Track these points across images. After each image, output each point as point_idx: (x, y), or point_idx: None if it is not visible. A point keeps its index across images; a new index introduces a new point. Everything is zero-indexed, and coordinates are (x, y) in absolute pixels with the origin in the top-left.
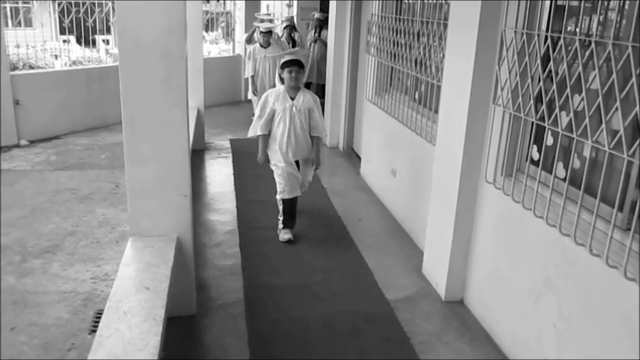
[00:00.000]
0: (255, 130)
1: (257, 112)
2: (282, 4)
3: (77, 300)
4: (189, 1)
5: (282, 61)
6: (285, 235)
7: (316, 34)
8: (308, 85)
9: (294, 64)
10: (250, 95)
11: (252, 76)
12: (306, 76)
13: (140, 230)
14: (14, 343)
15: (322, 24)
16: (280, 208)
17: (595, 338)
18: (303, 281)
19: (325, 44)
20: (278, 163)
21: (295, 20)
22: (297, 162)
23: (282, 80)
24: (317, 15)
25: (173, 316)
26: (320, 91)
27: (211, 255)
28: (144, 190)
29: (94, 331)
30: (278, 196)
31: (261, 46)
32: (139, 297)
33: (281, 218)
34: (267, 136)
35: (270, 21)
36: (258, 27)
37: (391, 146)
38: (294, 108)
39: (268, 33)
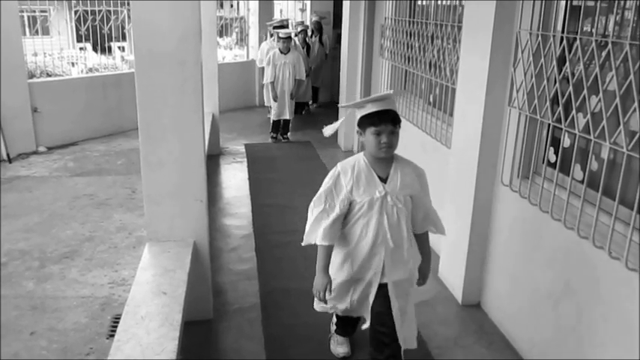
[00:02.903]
0: (313, 234)
1: (320, 199)
2: (295, 8)
3: (95, 305)
4: (204, 6)
5: (364, 113)
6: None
7: (316, 37)
8: (315, 91)
9: (386, 119)
10: (269, 102)
11: (272, 82)
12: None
13: (157, 235)
14: (34, 347)
15: (322, 27)
16: None
17: (615, 342)
18: None
19: (324, 47)
20: (340, 303)
21: (310, 24)
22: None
23: (362, 143)
24: (315, 18)
25: (190, 320)
26: (313, 95)
27: (227, 259)
28: (160, 195)
29: (112, 336)
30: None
31: (281, 52)
32: (157, 302)
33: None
34: (331, 248)
35: (286, 26)
36: (277, 33)
37: (406, 150)
38: (389, 198)
39: (288, 39)
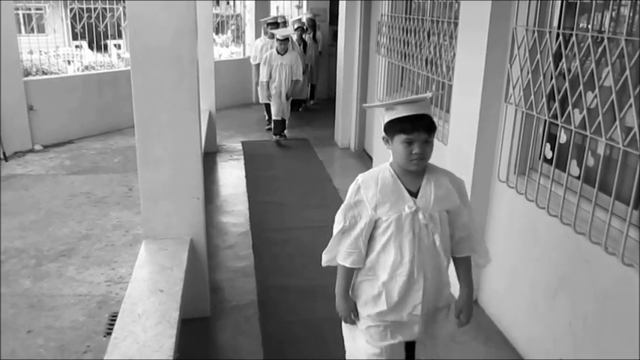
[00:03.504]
0: (332, 252)
1: (340, 216)
2: (291, 5)
3: (92, 303)
4: (200, 3)
5: (393, 117)
6: None
7: (310, 34)
8: (312, 88)
9: (420, 126)
10: (264, 100)
11: (267, 82)
12: (314, 77)
13: (154, 233)
14: (31, 346)
15: (315, 24)
16: None
17: (611, 337)
18: (317, 283)
19: (317, 44)
20: (374, 338)
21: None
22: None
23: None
24: (309, 15)
25: (187, 318)
26: (310, 92)
27: (224, 257)
28: (157, 193)
29: (109, 334)
30: None
31: (278, 52)
32: (153, 299)
33: None
34: (353, 271)
35: (284, 23)
36: (275, 34)
37: None
38: (420, 215)
39: (286, 40)
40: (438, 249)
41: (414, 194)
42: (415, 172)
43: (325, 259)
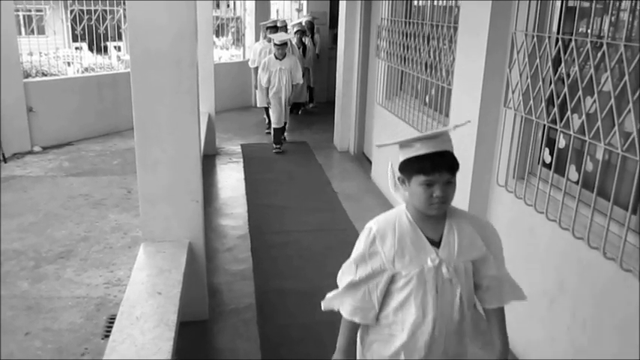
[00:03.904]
0: (337, 301)
1: (350, 267)
2: (291, 8)
3: (90, 305)
4: (200, 5)
5: (410, 155)
6: None
7: (309, 37)
8: (311, 91)
9: (442, 166)
10: (263, 104)
11: (267, 88)
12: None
13: (152, 235)
14: (28, 348)
15: (314, 27)
16: None
17: (610, 342)
18: (315, 286)
19: (315, 47)
20: None
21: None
22: None
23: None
24: (308, 18)
25: (185, 321)
26: (309, 95)
27: (223, 260)
28: (156, 195)
29: (107, 336)
30: None
31: (276, 57)
32: (152, 302)
33: None
34: (358, 326)
35: (284, 27)
36: (273, 39)
37: None
38: (444, 268)
39: (284, 45)
40: (461, 305)
41: (435, 243)
42: (436, 217)
43: (326, 305)
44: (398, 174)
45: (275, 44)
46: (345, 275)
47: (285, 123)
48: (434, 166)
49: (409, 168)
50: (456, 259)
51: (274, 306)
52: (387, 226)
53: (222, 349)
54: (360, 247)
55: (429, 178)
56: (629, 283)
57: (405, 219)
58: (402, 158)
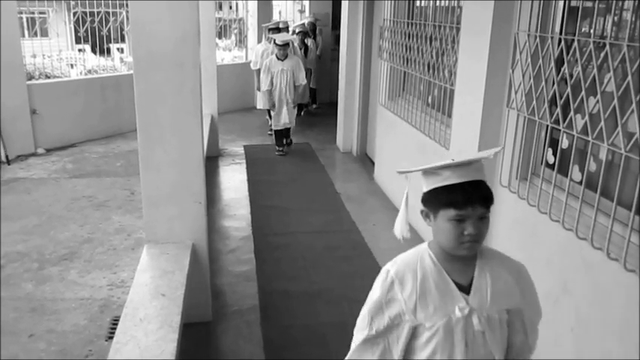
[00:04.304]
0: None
1: (364, 320)
2: (294, 9)
3: (94, 307)
4: (202, 7)
5: (436, 185)
6: None
7: (311, 38)
8: (313, 92)
9: (475, 198)
10: (265, 106)
11: (269, 90)
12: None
13: (156, 237)
14: (33, 350)
15: (316, 28)
16: None
17: (613, 343)
18: (318, 287)
19: (317, 48)
20: None
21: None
22: None
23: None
24: (310, 19)
25: (189, 322)
26: (312, 96)
27: (226, 261)
28: (159, 197)
29: (111, 338)
30: None
31: (278, 58)
32: (155, 304)
33: None
34: None
35: (286, 29)
36: (274, 39)
37: (405, 151)
38: (475, 318)
39: (285, 45)
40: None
41: (464, 289)
42: (465, 258)
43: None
44: (421, 207)
45: (277, 44)
46: (360, 331)
47: (289, 129)
48: (466, 199)
49: (436, 200)
50: (488, 307)
51: (277, 307)
52: (406, 269)
53: (225, 351)
54: (375, 293)
55: (460, 213)
56: (633, 283)
57: (429, 260)
58: (426, 188)
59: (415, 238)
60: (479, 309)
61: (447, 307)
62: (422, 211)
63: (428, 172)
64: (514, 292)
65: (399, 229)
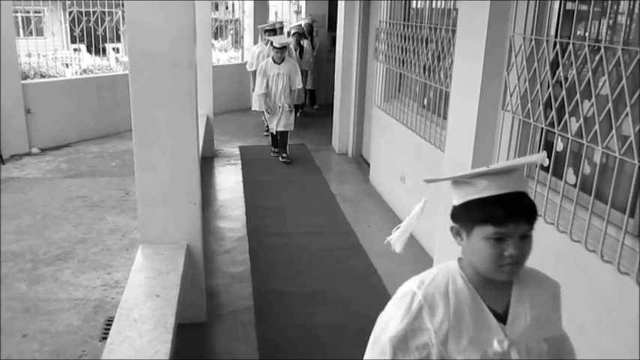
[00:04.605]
0: None
1: (383, 351)
2: (290, 10)
3: (88, 307)
4: (198, 7)
5: (471, 198)
6: None
7: (307, 40)
8: (312, 93)
9: (519, 214)
10: (259, 108)
11: (265, 94)
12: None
13: (150, 237)
14: (26, 350)
15: (313, 29)
16: None
17: (607, 346)
18: (313, 288)
19: (314, 49)
20: None
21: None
22: None
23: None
24: (307, 21)
25: (183, 323)
26: (310, 97)
27: (221, 262)
28: (154, 197)
29: (105, 339)
30: None
31: (275, 61)
32: (149, 304)
33: None
34: None
35: (281, 29)
36: (271, 41)
37: (400, 153)
38: (514, 352)
39: (283, 48)
40: None
41: (500, 317)
42: (501, 281)
43: None
44: (451, 222)
45: (274, 47)
46: (375, 356)
47: (287, 135)
48: (508, 214)
49: (470, 215)
50: (528, 337)
51: (272, 308)
52: (437, 292)
53: (220, 352)
54: (397, 319)
55: (499, 231)
56: (627, 285)
57: (461, 283)
58: (458, 200)
59: (414, 245)
60: (518, 340)
61: (483, 340)
62: (452, 228)
63: (460, 182)
64: (553, 319)
65: (400, 243)
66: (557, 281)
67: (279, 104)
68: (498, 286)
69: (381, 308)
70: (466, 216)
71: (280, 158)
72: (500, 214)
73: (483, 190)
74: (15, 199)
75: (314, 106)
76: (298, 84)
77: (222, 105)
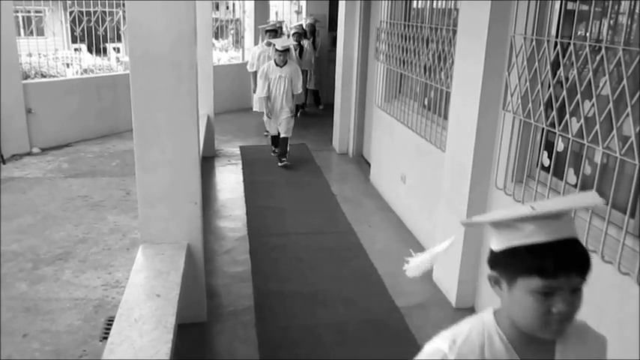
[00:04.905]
0: None
1: None
2: (290, 10)
3: (88, 307)
4: (199, 7)
5: (515, 244)
6: None
7: (309, 40)
8: (316, 94)
9: (570, 265)
10: (261, 108)
11: (266, 97)
12: (311, 83)
13: (151, 237)
14: (26, 350)
15: (315, 30)
16: None
17: (608, 345)
18: (313, 288)
19: (316, 50)
20: None
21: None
22: None
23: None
24: (310, 21)
25: (184, 323)
26: (313, 97)
27: (221, 262)
28: (154, 197)
29: (106, 338)
30: None
31: (277, 64)
32: (150, 304)
33: None
34: None
35: (280, 29)
36: (274, 44)
37: (401, 153)
38: None
39: (286, 51)
40: None
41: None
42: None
43: None
44: (489, 271)
45: (277, 50)
46: None
47: (287, 140)
48: (559, 265)
49: (514, 263)
50: None
51: (273, 308)
52: (470, 353)
53: (220, 351)
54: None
55: (548, 284)
56: (627, 285)
57: (499, 343)
58: (499, 246)
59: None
60: None
61: None
62: (490, 277)
63: (501, 225)
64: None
65: (416, 272)
66: (604, 336)
67: (281, 108)
68: (541, 343)
69: (382, 308)
70: (509, 264)
71: (279, 163)
72: (551, 265)
73: (530, 235)
74: (15, 198)
75: (319, 106)
76: (299, 88)
77: (223, 105)
